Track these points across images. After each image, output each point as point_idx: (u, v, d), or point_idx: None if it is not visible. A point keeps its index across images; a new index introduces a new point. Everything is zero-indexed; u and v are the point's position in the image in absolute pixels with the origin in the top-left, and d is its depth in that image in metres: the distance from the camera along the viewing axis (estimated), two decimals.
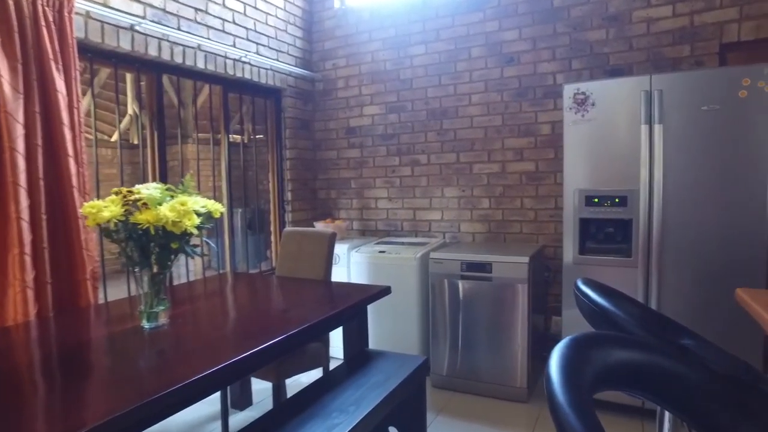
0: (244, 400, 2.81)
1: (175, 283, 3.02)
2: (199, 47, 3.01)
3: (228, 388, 2.59)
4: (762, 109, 2.22)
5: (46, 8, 2.00)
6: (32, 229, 1.94)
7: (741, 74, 2.25)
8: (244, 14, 3.38)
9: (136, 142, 2.84)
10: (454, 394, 2.91)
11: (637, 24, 3.00)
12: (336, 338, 3.00)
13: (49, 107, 2.02)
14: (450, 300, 2.95)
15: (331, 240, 2.67)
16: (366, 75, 3.90)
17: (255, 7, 3.47)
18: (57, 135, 2.04)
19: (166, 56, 2.77)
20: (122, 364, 1.46)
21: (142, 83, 2.87)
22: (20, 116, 1.92)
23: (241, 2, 3.35)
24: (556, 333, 3.25)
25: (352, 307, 2.05)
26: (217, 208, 1.72)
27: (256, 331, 1.74)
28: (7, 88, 1.88)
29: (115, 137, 7.43)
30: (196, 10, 2.98)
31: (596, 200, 2.51)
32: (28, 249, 1.91)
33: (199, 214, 1.62)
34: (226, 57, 3.22)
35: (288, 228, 3.03)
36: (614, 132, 2.47)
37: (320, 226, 3.64)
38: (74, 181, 2.07)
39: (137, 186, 1.65)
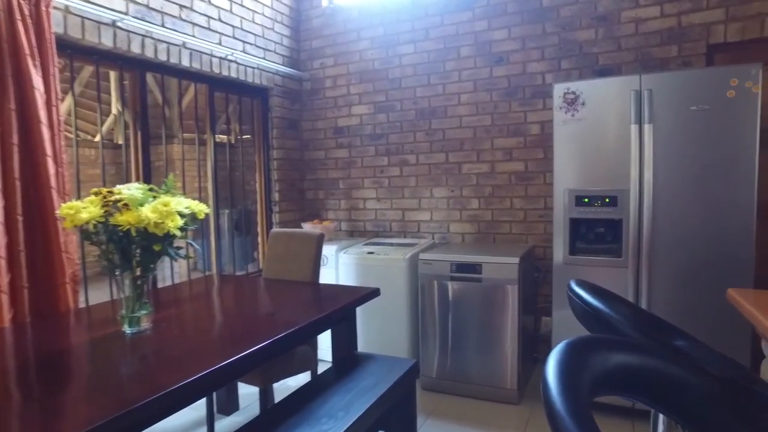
0: (230, 405, 2.75)
1: (160, 285, 2.95)
2: (184, 45, 2.94)
3: (214, 393, 2.54)
4: (749, 109, 2.23)
5: (22, 2, 1.93)
6: (7, 232, 1.87)
7: (729, 74, 2.25)
8: (230, 12, 3.32)
9: (120, 142, 2.77)
10: (444, 397, 2.88)
11: (626, 24, 3.00)
12: (324, 340, 2.96)
13: (26, 104, 1.95)
14: (439, 301, 2.92)
15: (318, 241, 2.63)
16: (354, 74, 3.86)
17: (241, 5, 3.42)
18: (34, 134, 1.97)
19: (149, 54, 2.71)
20: (102, 371, 1.41)
21: (126, 82, 2.80)
22: None
23: None
24: (546, 334, 3.24)
25: (340, 309, 2.01)
26: (202, 209, 1.67)
27: (242, 335, 1.69)
28: None
29: (98, 137, 7.30)
30: (181, 6, 2.92)
31: (586, 200, 2.50)
32: (2, 252, 1.84)
33: (182, 215, 1.57)
34: (211, 55, 3.16)
35: (275, 229, 2.97)
36: (604, 132, 2.47)
37: (308, 227, 3.60)
38: (53, 181, 2.00)
39: (118, 186, 1.59)
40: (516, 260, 2.70)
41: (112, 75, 5.48)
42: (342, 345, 2.27)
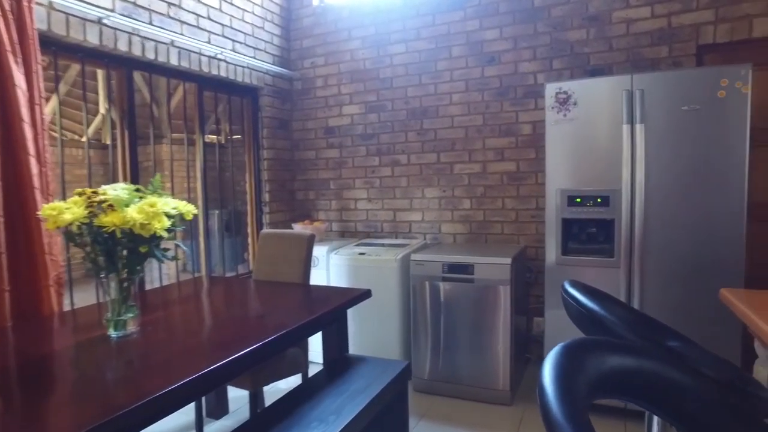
0: (219, 409, 2.71)
1: (148, 287, 2.90)
2: (172, 43, 2.90)
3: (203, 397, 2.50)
4: (740, 110, 2.23)
5: None
6: None
7: (719, 75, 2.26)
8: (220, 10, 3.28)
9: (108, 142, 2.71)
10: (437, 398, 2.86)
11: (617, 24, 3.00)
12: (315, 342, 2.93)
13: (7, 103, 1.90)
14: (431, 302, 2.90)
15: (309, 242, 2.60)
16: (345, 74, 3.83)
17: (231, 3, 3.38)
18: (16, 133, 1.92)
19: (137, 52, 2.66)
20: (87, 377, 1.37)
21: (113, 81, 2.75)
22: None
23: None
24: (538, 334, 3.23)
25: (331, 311, 1.98)
26: (189, 209, 1.63)
27: (231, 338, 1.66)
28: None
29: (85, 136, 7.20)
30: (169, 4, 2.88)
31: (578, 200, 2.49)
32: None
33: (169, 216, 1.53)
34: (200, 54, 3.12)
35: (265, 230, 2.94)
36: (596, 131, 2.46)
37: (298, 228, 3.56)
38: (36, 181, 1.95)
39: (103, 187, 1.55)
40: (508, 261, 2.69)
41: (100, 74, 5.41)
42: (333, 347, 2.24)
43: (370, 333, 3.13)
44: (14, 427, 1.10)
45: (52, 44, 2.30)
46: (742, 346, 2.30)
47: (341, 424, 1.60)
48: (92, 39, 2.41)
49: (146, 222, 1.42)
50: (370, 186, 3.81)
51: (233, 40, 3.41)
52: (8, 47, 1.88)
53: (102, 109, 6.32)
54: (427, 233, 3.63)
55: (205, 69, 3.16)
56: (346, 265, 3.21)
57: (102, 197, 1.43)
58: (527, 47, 3.23)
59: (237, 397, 2.85)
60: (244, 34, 3.52)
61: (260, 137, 3.78)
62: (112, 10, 2.50)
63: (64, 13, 2.27)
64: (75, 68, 5.20)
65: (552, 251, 2.59)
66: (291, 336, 1.71)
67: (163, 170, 6.53)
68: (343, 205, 3.93)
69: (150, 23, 2.73)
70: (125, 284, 1.53)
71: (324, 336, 2.26)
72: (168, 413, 1.31)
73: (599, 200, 2.45)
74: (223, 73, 3.31)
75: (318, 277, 3.29)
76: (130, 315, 1.57)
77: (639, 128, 2.35)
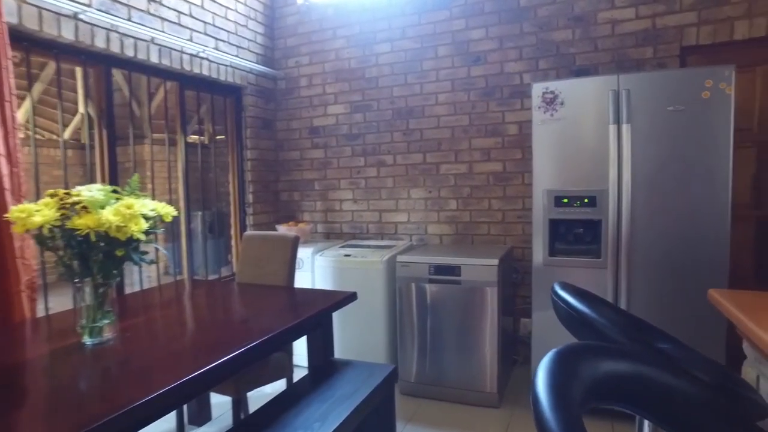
0: (202, 416, 2.64)
1: (128, 291, 2.83)
2: (152, 40, 2.83)
3: None
4: (723, 111, 2.25)
5: None
6: None
7: (704, 75, 2.27)
8: (202, 7, 3.21)
9: (90, 142, 2.63)
10: (424, 402, 2.83)
11: (602, 25, 3.01)
12: (300, 346, 2.87)
13: None
14: (418, 304, 2.87)
15: (293, 244, 2.55)
16: (330, 73, 3.79)
17: (214, 1, 3.31)
18: None
19: (115, 49, 2.59)
20: (60, 387, 1.30)
21: (91, 79, 2.67)
22: None
23: None
24: (525, 335, 3.22)
25: (316, 315, 1.94)
26: (169, 211, 1.58)
27: (213, 344, 1.61)
28: None
29: (66, 136, 7.03)
30: (149, 0, 2.80)
31: (565, 201, 2.48)
32: None
33: (147, 218, 1.48)
34: (182, 52, 3.05)
35: (248, 232, 2.88)
36: (583, 131, 2.45)
37: (283, 230, 3.50)
38: (6, 182, 1.87)
39: (78, 188, 1.49)
40: (495, 262, 2.67)
41: (79, 71, 5.28)
42: (318, 351, 2.19)
43: (356, 336, 3.08)
44: None
45: (23, 39, 2.22)
46: (726, 346, 2.31)
47: (327, 431, 1.56)
48: (67, 35, 2.33)
49: (122, 224, 1.36)
50: (355, 187, 3.77)
51: (216, 38, 3.34)
52: None
53: (81, 109, 6.17)
54: (413, 234, 3.60)
55: (187, 67, 3.09)
56: (332, 267, 3.17)
57: (75, 199, 1.37)
58: (513, 47, 3.22)
59: (220, 403, 2.78)
60: (227, 32, 3.46)
61: (244, 137, 3.72)
62: (89, 5, 2.42)
63: (37, 6, 2.19)
64: (52, 66, 5.06)
65: (539, 252, 2.58)
66: (275, 341, 1.66)
67: (144, 171, 6.40)
68: (328, 206, 3.88)
69: (129, 19, 2.66)
70: (101, 289, 1.46)
71: (309, 340, 2.21)
72: (146, 424, 1.26)
73: (586, 201, 2.44)
74: (205, 72, 3.24)
75: (303, 279, 3.24)
76: (107, 321, 1.51)
77: (625, 128, 2.35)
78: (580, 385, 0.84)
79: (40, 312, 2.12)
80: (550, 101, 2.48)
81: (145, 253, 1.54)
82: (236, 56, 3.52)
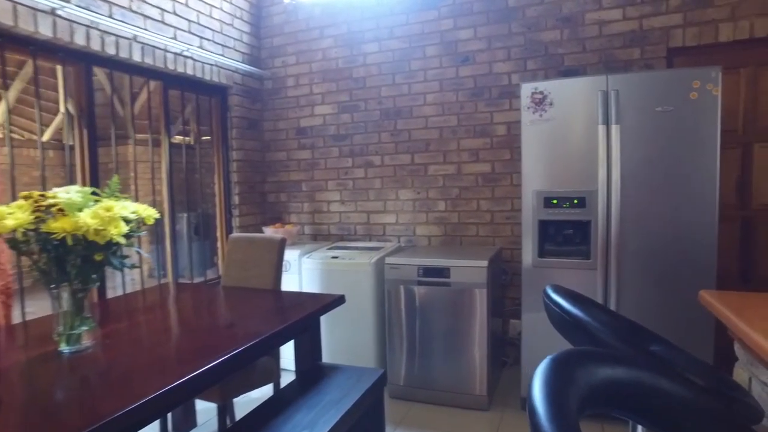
0: (187, 423, 2.58)
1: (110, 295, 2.75)
2: (134, 38, 2.76)
3: None
4: (710, 111, 2.25)
5: None
6: None
7: (691, 76, 2.27)
8: (186, 5, 3.15)
9: (68, 142, 2.56)
10: (413, 405, 2.80)
11: (590, 26, 3.01)
12: (287, 349, 2.82)
13: None
14: (406, 307, 2.84)
15: (280, 246, 2.50)
16: (317, 73, 3.75)
17: None
18: None
19: (95, 46, 2.52)
20: (34, 398, 1.25)
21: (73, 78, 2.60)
22: None
23: None
24: (515, 337, 3.21)
25: (303, 319, 1.90)
26: (150, 213, 1.53)
27: (198, 350, 1.56)
28: None
29: (47, 136, 6.88)
30: None
31: (555, 201, 2.47)
32: None
33: (128, 221, 1.42)
34: (165, 50, 2.98)
35: (234, 234, 2.83)
36: (572, 132, 2.45)
37: (269, 231, 3.45)
38: None
39: (55, 189, 1.43)
40: (485, 263, 2.65)
41: (60, 70, 5.16)
42: (306, 356, 2.15)
43: (344, 339, 3.04)
44: None
45: None
46: (714, 346, 2.31)
47: None
48: (45, 31, 2.26)
49: (101, 228, 1.31)
50: (343, 188, 3.73)
51: (200, 37, 3.28)
52: None
53: (62, 108, 6.03)
54: (402, 236, 3.58)
55: (171, 66, 3.03)
56: (319, 270, 3.12)
57: (51, 201, 1.32)
58: (502, 47, 3.21)
59: (205, 409, 2.72)
60: (212, 30, 3.40)
61: (229, 138, 3.66)
62: (67, 1, 2.35)
63: (11, 1, 2.12)
64: (31, 63, 4.94)
65: (528, 253, 2.56)
66: (262, 346, 1.62)
67: (128, 172, 6.29)
68: (316, 207, 3.83)
69: (110, 16, 2.59)
70: (79, 295, 1.41)
71: (296, 344, 2.16)
72: None
73: (575, 201, 2.43)
74: (189, 71, 3.18)
75: (290, 282, 3.19)
76: (85, 328, 1.45)
77: (614, 129, 2.34)
78: (577, 393, 0.82)
79: (17, 318, 2.05)
80: (539, 101, 2.46)
81: (126, 257, 1.48)
82: (221, 55, 3.46)
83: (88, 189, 1.45)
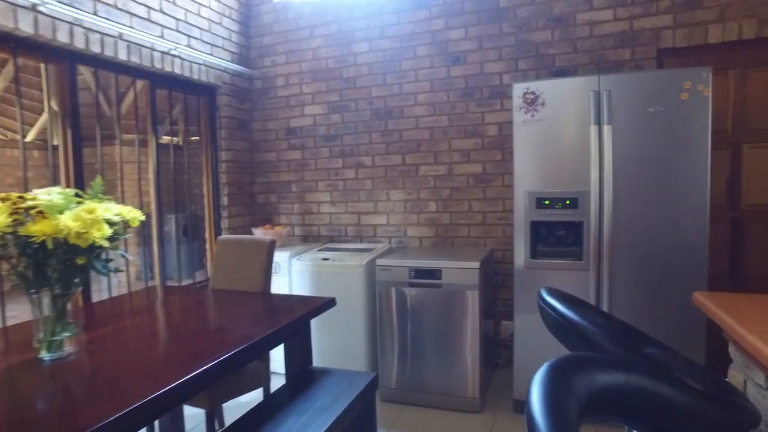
0: (174, 430, 2.52)
1: (96, 298, 2.70)
2: (120, 36, 2.71)
3: None
4: (701, 112, 2.25)
5: None
6: None
7: (682, 77, 2.27)
8: (174, 3, 3.10)
9: (53, 143, 2.50)
10: (405, 408, 2.77)
11: (581, 26, 3.00)
12: (277, 352, 2.78)
13: None
14: (398, 309, 2.81)
15: (270, 248, 2.46)
16: (307, 73, 3.71)
17: None
18: None
19: (80, 44, 2.46)
20: (12, 408, 1.20)
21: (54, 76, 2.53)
22: None
23: None
24: (506, 338, 3.19)
25: (294, 322, 1.86)
26: (135, 215, 1.48)
27: (185, 356, 1.52)
28: None
29: (31, 136, 6.76)
30: None
31: (547, 202, 2.46)
32: None
33: (111, 224, 1.38)
34: (152, 49, 2.93)
35: (222, 236, 2.78)
36: (564, 132, 2.43)
37: (259, 233, 3.41)
38: None
39: (35, 191, 1.38)
40: (476, 265, 2.63)
41: (43, 68, 5.07)
42: (296, 360, 2.12)
43: (335, 342, 3.01)
44: None
45: None
46: (706, 348, 2.31)
47: None
48: (25, 27, 2.19)
49: (83, 231, 1.27)
50: (333, 189, 3.70)
51: (188, 36, 3.23)
52: None
53: (47, 107, 5.92)
54: (393, 237, 3.55)
55: (158, 65, 2.98)
56: (309, 272, 3.09)
57: (30, 203, 1.27)
58: (493, 47, 3.19)
59: (194, 414, 2.67)
60: (200, 29, 3.35)
61: (218, 138, 3.61)
62: None
63: None
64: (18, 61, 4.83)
65: (521, 255, 2.55)
66: (252, 351, 1.58)
67: (115, 173, 6.19)
68: (306, 208, 3.79)
69: (95, 14, 2.54)
70: (60, 300, 1.36)
71: (286, 348, 2.13)
72: None
73: (568, 202, 2.42)
74: (177, 70, 3.13)
75: (279, 284, 3.15)
76: (67, 334, 1.41)
77: (607, 129, 2.34)
78: (576, 401, 0.80)
79: None
80: (531, 102, 2.45)
81: (110, 260, 1.44)
82: (210, 54, 3.41)
83: (71, 191, 1.41)
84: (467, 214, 3.34)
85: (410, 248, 3.39)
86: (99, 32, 2.57)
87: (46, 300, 1.35)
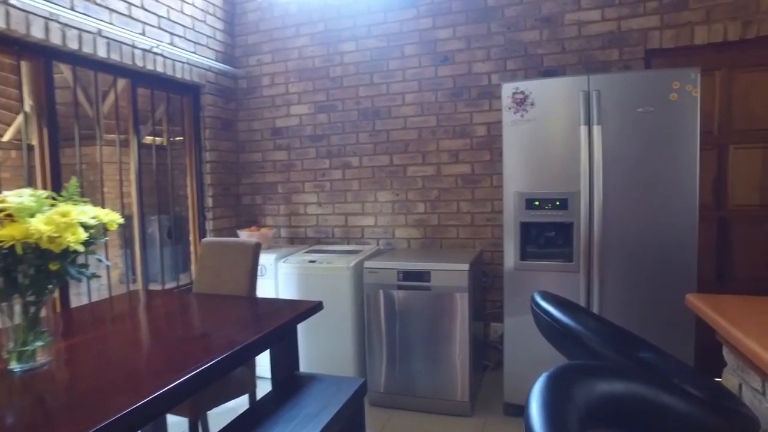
0: None
1: (76, 303, 2.61)
2: (99, 33, 2.63)
3: None
4: (690, 112, 2.25)
5: None
6: None
7: (671, 77, 2.26)
8: (156, 0, 3.02)
9: (30, 142, 2.41)
10: (394, 412, 2.73)
11: (569, 26, 2.99)
12: (263, 357, 2.72)
13: None
14: (386, 312, 2.77)
15: (255, 251, 2.40)
16: (293, 72, 3.65)
17: None
18: None
19: (56, 40, 2.38)
20: None
21: (27, 72, 2.44)
22: None
23: None
24: (496, 340, 3.17)
25: (280, 327, 1.81)
26: (113, 218, 1.42)
27: (167, 364, 1.46)
28: None
29: (7, 136, 6.58)
30: None
31: (537, 203, 2.44)
32: None
33: (87, 227, 1.32)
34: (133, 46, 2.85)
35: (206, 239, 2.71)
36: (554, 133, 2.41)
37: (244, 235, 3.34)
38: None
39: (5, 193, 1.31)
40: (466, 267, 2.60)
41: (23, 66, 4.94)
42: (282, 365, 2.06)
43: (322, 345, 2.95)
44: None
45: None
46: (695, 349, 2.31)
47: None
48: None
49: (56, 235, 1.20)
50: (320, 190, 3.64)
51: (171, 33, 3.16)
52: None
53: (27, 106, 5.77)
54: (381, 238, 3.50)
55: (140, 63, 2.90)
56: (296, 274, 3.03)
57: None
58: (481, 47, 3.17)
59: (178, 422, 2.60)
60: (184, 27, 3.27)
61: (202, 138, 3.53)
62: None
63: None
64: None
65: (510, 256, 2.52)
66: (237, 358, 1.52)
67: (96, 174, 6.05)
68: (292, 210, 3.73)
69: (72, 9, 2.45)
70: (32, 308, 1.29)
71: (272, 353, 2.07)
72: None
73: (558, 203, 2.40)
74: (159, 69, 3.05)
75: (265, 287, 3.09)
76: (40, 343, 1.34)
77: (596, 129, 2.32)
78: (575, 412, 0.76)
79: None
80: (521, 102, 2.43)
81: (86, 266, 1.37)
82: (193, 53, 3.34)
83: (43, 192, 1.34)
84: (456, 215, 3.31)
85: (398, 250, 3.35)
86: (76, 28, 2.48)
87: (16, 308, 1.28)
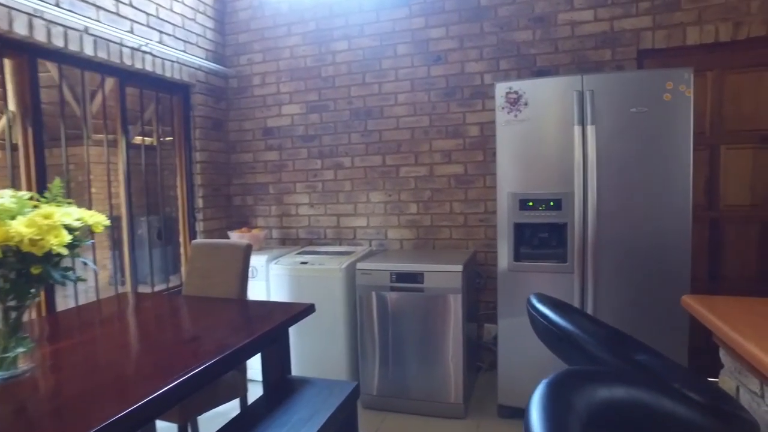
0: None
1: (61, 307, 2.55)
2: (86, 30, 2.57)
3: None
4: (683, 113, 2.24)
5: None
6: None
7: (665, 77, 2.26)
8: None
9: (16, 142, 2.36)
10: (387, 415, 2.70)
11: (562, 26, 2.98)
12: (254, 360, 2.68)
13: None
14: (379, 314, 2.74)
15: (246, 253, 2.36)
16: (285, 71, 3.61)
17: None
18: None
19: (41, 37, 2.32)
20: None
21: (11, 71, 2.38)
22: None
23: None
24: (489, 341, 3.15)
25: (272, 330, 1.77)
26: (99, 220, 1.38)
27: (155, 370, 1.42)
28: None
29: None
30: None
31: (530, 204, 2.42)
32: None
33: (71, 230, 1.28)
34: (122, 44, 2.80)
35: (196, 240, 2.67)
36: (547, 133, 2.40)
37: (235, 236, 3.30)
38: None
39: None
40: (459, 268, 2.58)
41: (7, 64, 4.85)
42: (274, 369, 2.03)
43: (314, 348, 2.92)
44: None
45: None
46: (689, 350, 2.30)
47: None
48: None
49: (38, 237, 1.16)
50: (312, 190, 3.61)
51: (160, 32, 3.11)
52: None
53: (12, 105, 5.67)
54: (373, 239, 3.48)
55: (128, 62, 2.85)
56: (287, 276, 2.99)
57: None
58: (474, 47, 3.15)
59: (167, 427, 2.55)
60: (173, 25, 3.22)
61: (192, 138, 3.48)
62: None
63: None
64: None
65: (504, 257, 2.50)
66: (227, 362, 1.49)
67: (84, 175, 5.96)
68: (284, 210, 3.69)
69: (57, 5, 2.40)
70: (13, 313, 1.25)
71: (264, 357, 2.03)
72: None
73: (551, 204, 2.38)
74: (149, 67, 3.00)
75: (256, 289, 3.04)
76: (22, 349, 1.29)
77: (590, 129, 2.31)
78: (576, 419, 0.74)
79: None
80: (514, 101, 2.41)
81: (70, 269, 1.33)
82: (183, 51, 3.29)
83: (25, 194, 1.30)
84: (449, 215, 3.29)
85: (391, 251, 3.32)
86: (62, 25, 2.43)
87: None
